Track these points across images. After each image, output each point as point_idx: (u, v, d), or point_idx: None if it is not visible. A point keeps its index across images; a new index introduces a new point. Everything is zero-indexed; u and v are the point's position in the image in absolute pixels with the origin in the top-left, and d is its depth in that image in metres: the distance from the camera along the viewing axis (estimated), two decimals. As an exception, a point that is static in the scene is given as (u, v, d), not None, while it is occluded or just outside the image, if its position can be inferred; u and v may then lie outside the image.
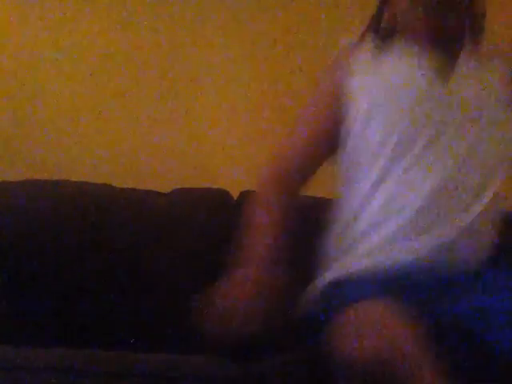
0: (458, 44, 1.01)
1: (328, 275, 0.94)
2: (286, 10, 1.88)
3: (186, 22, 1.86)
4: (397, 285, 0.85)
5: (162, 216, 1.48)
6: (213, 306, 0.83)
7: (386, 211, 0.93)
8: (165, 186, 1.58)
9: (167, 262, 1.38)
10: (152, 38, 1.84)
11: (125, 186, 1.53)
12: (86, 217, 1.41)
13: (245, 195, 1.60)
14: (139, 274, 1.38)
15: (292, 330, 0.95)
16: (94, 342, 1.21)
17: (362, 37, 1.05)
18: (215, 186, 1.61)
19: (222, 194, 1.59)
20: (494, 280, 0.90)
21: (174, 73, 1.84)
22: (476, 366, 0.83)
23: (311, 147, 1.05)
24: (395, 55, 1.00)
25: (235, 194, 1.60)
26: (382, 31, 1.03)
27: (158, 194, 1.55)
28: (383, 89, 0.97)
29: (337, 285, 0.91)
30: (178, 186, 1.60)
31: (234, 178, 1.76)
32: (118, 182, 1.54)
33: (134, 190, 1.54)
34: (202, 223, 1.49)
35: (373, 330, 0.73)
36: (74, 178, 1.50)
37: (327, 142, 1.05)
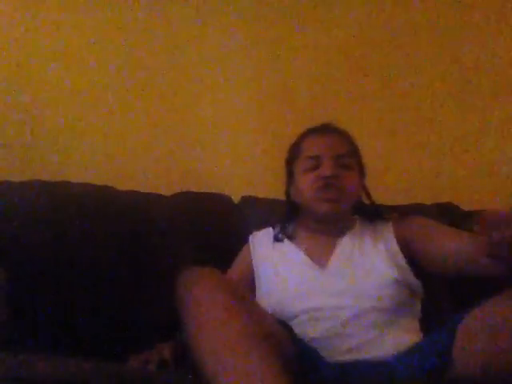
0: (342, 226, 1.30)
1: None
2: (287, 10, 1.91)
3: (185, 22, 1.87)
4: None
5: (163, 219, 1.48)
6: None
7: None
8: (166, 190, 1.58)
9: (168, 264, 1.38)
10: (152, 38, 1.85)
11: (126, 189, 1.53)
12: (86, 218, 1.40)
13: (246, 200, 1.61)
14: (140, 275, 1.37)
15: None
16: (94, 346, 1.21)
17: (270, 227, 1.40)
18: (216, 191, 1.62)
19: (224, 199, 1.60)
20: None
21: (175, 74, 1.85)
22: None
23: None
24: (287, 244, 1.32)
25: (236, 199, 1.61)
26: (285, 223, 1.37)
27: (160, 196, 1.56)
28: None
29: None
30: (180, 190, 1.60)
31: (235, 183, 1.76)
32: (119, 185, 1.53)
33: (135, 192, 1.54)
34: (204, 227, 1.49)
35: None
36: (74, 180, 1.50)
37: (250, 285, 1.31)
